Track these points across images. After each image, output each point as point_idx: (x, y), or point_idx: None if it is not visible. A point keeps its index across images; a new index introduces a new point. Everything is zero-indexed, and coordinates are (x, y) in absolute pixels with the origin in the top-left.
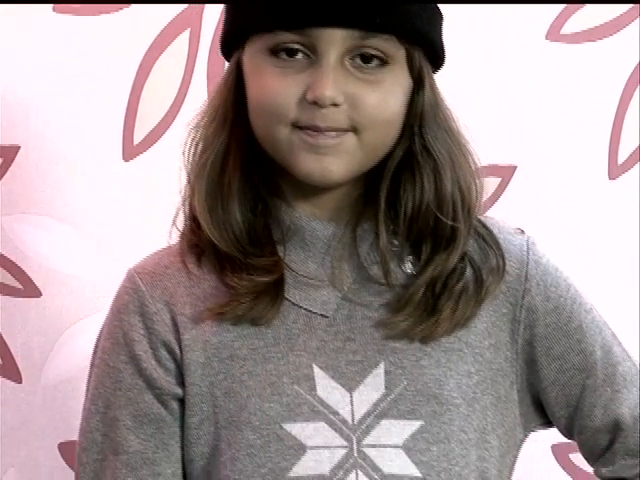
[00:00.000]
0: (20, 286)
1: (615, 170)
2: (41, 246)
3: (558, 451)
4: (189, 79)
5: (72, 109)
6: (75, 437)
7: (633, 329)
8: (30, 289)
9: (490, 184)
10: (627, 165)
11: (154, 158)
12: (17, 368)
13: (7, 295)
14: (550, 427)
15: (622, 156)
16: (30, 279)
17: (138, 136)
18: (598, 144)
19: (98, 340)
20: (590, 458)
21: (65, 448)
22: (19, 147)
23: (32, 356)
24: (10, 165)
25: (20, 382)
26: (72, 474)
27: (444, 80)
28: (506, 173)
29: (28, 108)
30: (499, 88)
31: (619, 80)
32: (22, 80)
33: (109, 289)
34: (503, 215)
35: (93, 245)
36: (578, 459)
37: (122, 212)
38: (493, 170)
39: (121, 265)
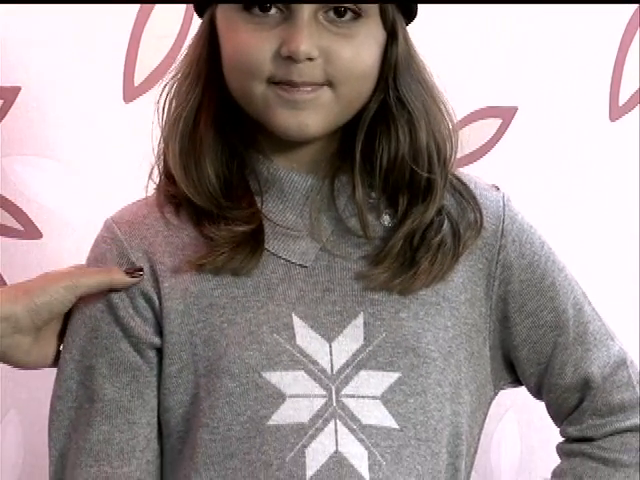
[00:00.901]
0: (21, 227)
1: (616, 111)
2: (42, 187)
3: None
4: (190, 20)
5: (73, 50)
6: None
7: (632, 271)
8: (31, 230)
9: (491, 125)
10: (628, 106)
11: (154, 100)
12: None
13: (7, 236)
14: (519, 386)
15: (623, 98)
16: (31, 220)
17: (139, 77)
18: (599, 85)
19: None
20: (557, 417)
21: None
22: (20, 88)
23: None
24: (11, 106)
25: None
26: None
27: (443, 22)
28: (507, 114)
29: (29, 49)
30: (500, 29)
31: (620, 21)
32: (22, 21)
33: None
34: (504, 156)
35: (93, 186)
36: None
37: (124, 154)
38: (494, 111)
39: (121, 206)
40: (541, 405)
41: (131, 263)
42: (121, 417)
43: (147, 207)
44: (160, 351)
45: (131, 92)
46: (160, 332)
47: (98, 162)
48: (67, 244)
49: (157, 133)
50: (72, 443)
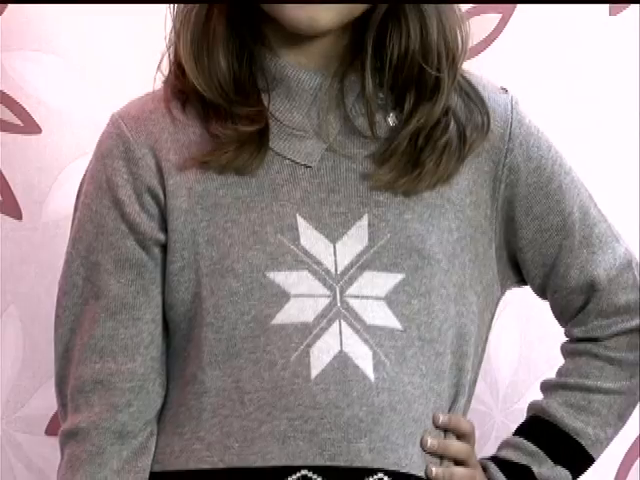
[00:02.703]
0: (20, 123)
1: (616, 6)
2: (41, 83)
3: None
4: None
5: None
6: None
7: (632, 161)
8: (30, 125)
9: (490, 20)
10: None
11: None
12: (17, 205)
13: (7, 132)
14: (525, 285)
15: None
16: (30, 116)
17: None
18: None
19: (81, 185)
20: (562, 319)
21: None
22: None
23: (32, 193)
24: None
25: (20, 219)
26: None
27: None
28: (506, 10)
29: None
30: None
31: None
32: None
33: None
34: (503, 52)
35: (93, 82)
36: None
37: (127, 50)
38: (493, 7)
39: (122, 102)
40: (540, 300)
41: (137, 159)
42: (126, 313)
43: (154, 102)
44: (165, 248)
45: None
46: (165, 229)
47: (99, 58)
48: (66, 139)
49: (162, 32)
50: (77, 339)
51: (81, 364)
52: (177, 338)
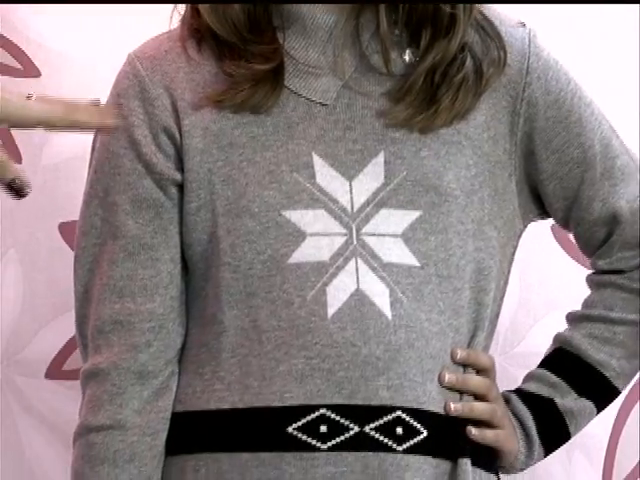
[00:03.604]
0: (20, 66)
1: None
2: (41, 26)
3: (558, 231)
4: None
5: None
6: (75, 218)
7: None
8: (29, 69)
9: None
10: None
11: None
12: (17, 148)
13: (6, 75)
14: (547, 218)
15: None
16: (29, 59)
17: None
18: None
19: None
20: (587, 250)
21: (65, 229)
22: None
23: (32, 136)
24: None
25: (20, 162)
26: (72, 255)
27: None
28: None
29: None
30: None
31: None
32: None
33: (109, 71)
34: None
35: (93, 25)
36: None
37: None
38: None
39: (122, 46)
40: (539, 243)
41: (152, 99)
42: (144, 254)
43: (169, 42)
44: (182, 188)
45: None
46: (182, 168)
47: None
48: (65, 82)
49: None
50: (96, 279)
51: (100, 305)
52: (196, 278)
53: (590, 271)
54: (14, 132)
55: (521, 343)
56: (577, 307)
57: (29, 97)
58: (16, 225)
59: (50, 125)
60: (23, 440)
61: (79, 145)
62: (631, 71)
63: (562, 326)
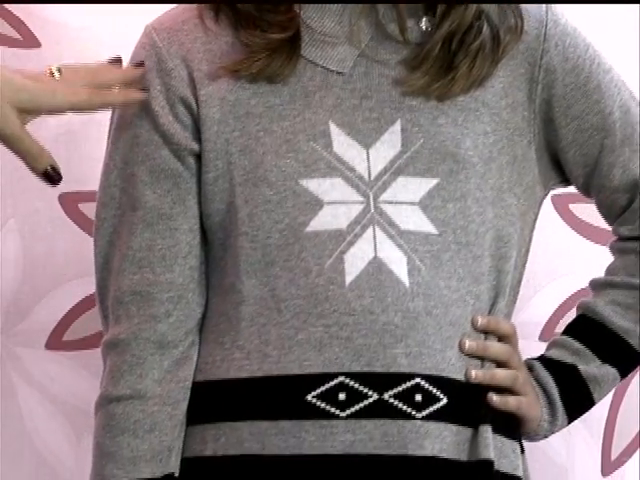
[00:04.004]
0: (19, 37)
1: None
2: None
3: (558, 201)
4: None
5: None
6: (75, 188)
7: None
8: (29, 40)
9: None
10: None
11: None
12: None
13: (6, 46)
14: (568, 185)
15: None
16: (29, 30)
17: None
18: None
19: None
20: (609, 217)
21: (65, 199)
22: None
23: None
24: None
25: None
26: (72, 225)
27: None
28: None
29: None
30: None
31: None
32: None
33: (111, 41)
34: None
35: None
36: (578, 209)
37: None
38: None
39: (121, 17)
40: (541, 212)
41: (169, 70)
42: (163, 224)
43: (186, 12)
44: (200, 158)
45: None
46: (199, 138)
47: None
48: (66, 53)
49: None
50: (116, 250)
51: (120, 275)
52: (214, 247)
53: (590, 242)
54: None
55: (522, 312)
56: (577, 278)
57: (52, 74)
58: (16, 195)
59: (78, 110)
60: (23, 410)
61: (78, 117)
62: (631, 71)
63: (562, 296)
